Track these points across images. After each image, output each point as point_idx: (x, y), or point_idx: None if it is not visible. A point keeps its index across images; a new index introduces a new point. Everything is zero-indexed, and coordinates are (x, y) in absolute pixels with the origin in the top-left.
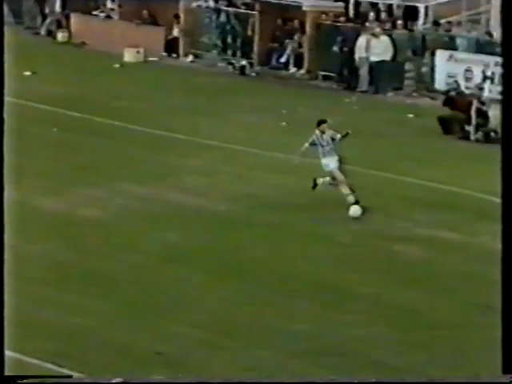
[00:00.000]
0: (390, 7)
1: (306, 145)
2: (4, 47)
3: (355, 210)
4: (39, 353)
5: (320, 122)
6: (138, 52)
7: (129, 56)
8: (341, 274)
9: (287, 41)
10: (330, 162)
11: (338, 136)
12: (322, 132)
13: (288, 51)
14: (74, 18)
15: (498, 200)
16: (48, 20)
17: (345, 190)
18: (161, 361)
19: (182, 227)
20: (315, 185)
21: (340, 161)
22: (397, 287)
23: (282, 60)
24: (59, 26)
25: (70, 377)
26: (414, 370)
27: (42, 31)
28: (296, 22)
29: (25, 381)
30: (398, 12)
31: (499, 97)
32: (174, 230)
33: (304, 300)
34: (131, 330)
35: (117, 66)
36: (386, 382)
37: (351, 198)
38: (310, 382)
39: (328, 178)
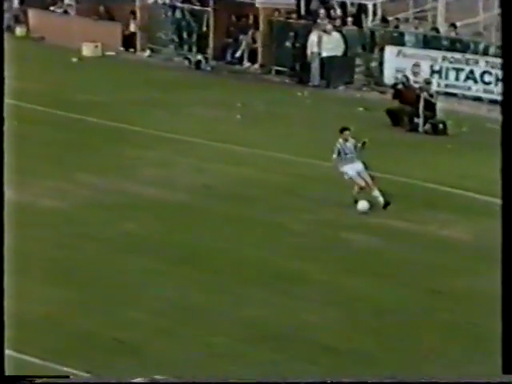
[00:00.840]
0: (341, 5)
1: (334, 156)
2: (4, 47)
3: (363, 205)
4: (1, 340)
5: (343, 130)
6: (95, 46)
7: (87, 50)
8: (293, 261)
9: (241, 36)
10: (349, 170)
11: (359, 145)
12: (345, 140)
13: (242, 46)
14: (32, 13)
15: (445, 188)
16: (7, 15)
17: (374, 192)
18: (120, 347)
19: (139, 217)
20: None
21: (365, 166)
22: (347, 274)
23: (237, 55)
24: (17, 20)
25: (67, 377)
26: (364, 355)
27: None
28: (249, 19)
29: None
30: (349, 9)
31: (446, 90)
32: (132, 220)
33: (258, 287)
34: (91, 318)
35: (75, 60)
36: (386, 382)
37: (381, 200)
38: (310, 382)
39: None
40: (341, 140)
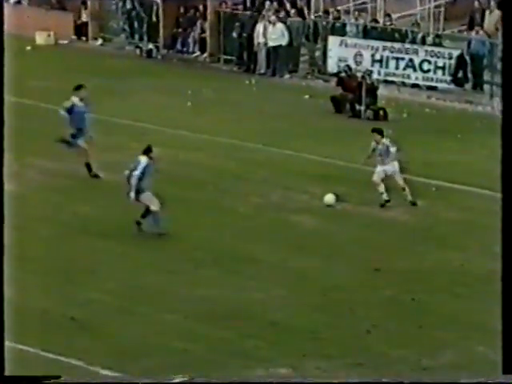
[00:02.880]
0: None
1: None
2: (4, 48)
3: (329, 198)
4: None
5: (373, 131)
6: (48, 35)
7: (40, 39)
8: (242, 243)
9: (190, 27)
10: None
11: (393, 149)
12: (377, 142)
13: (191, 36)
14: None
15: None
16: None
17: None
18: (76, 326)
19: (94, 200)
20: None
21: (400, 169)
22: (294, 254)
23: (186, 44)
24: None
25: (64, 377)
26: (310, 330)
27: None
28: (198, 10)
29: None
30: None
31: (387, 78)
32: (86, 203)
33: (208, 267)
34: (45, 297)
35: (29, 48)
36: (386, 382)
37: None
38: (310, 383)
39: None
40: (373, 143)
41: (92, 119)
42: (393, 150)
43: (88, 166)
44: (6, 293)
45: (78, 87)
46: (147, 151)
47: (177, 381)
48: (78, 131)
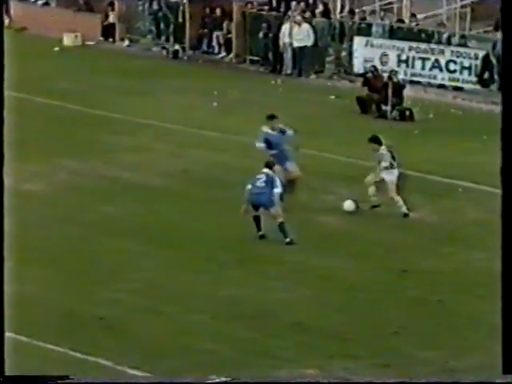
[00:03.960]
0: None
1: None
2: (4, 48)
3: (348, 205)
4: None
5: (370, 140)
6: (76, 37)
7: (68, 40)
8: (268, 243)
9: (216, 27)
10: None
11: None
12: (376, 150)
13: (217, 37)
14: (14, 5)
15: (412, 172)
16: None
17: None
18: (102, 325)
19: (119, 201)
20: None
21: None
22: (320, 255)
23: (212, 45)
24: None
25: (66, 377)
26: (336, 331)
27: None
28: (223, 11)
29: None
30: (319, 2)
31: (413, 78)
32: (111, 204)
33: (234, 267)
34: (72, 297)
35: (56, 49)
36: (386, 382)
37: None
38: (311, 382)
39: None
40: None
41: (290, 139)
42: (386, 159)
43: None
44: (33, 292)
45: (271, 117)
46: (271, 165)
47: (219, 380)
48: (280, 158)
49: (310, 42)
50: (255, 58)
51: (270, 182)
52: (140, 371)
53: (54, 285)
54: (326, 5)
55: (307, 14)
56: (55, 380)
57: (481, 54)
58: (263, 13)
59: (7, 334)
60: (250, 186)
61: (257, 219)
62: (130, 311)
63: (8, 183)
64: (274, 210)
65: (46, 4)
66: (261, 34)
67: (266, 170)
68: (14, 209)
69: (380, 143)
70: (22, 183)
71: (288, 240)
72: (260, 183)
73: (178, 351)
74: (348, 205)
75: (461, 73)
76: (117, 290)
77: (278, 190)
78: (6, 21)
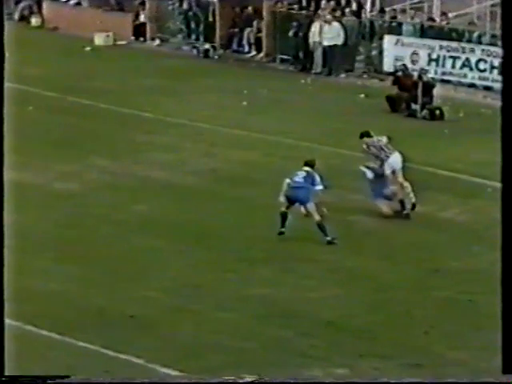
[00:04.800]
0: None
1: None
2: (4, 48)
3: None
4: (19, 316)
5: (360, 137)
6: (107, 36)
7: (99, 40)
8: (298, 242)
9: (246, 27)
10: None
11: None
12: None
13: (247, 36)
14: (46, 5)
15: (443, 172)
16: (21, 6)
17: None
18: (133, 323)
19: (150, 200)
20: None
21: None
22: (350, 254)
23: (242, 44)
24: (31, 11)
25: (68, 377)
26: (367, 330)
27: (16, 16)
28: (253, 10)
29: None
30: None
31: (443, 77)
32: (143, 203)
33: (263, 266)
34: (104, 295)
35: (88, 49)
36: (387, 381)
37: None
38: (311, 382)
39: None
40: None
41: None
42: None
43: (402, 203)
44: (66, 290)
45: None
46: (312, 163)
47: (246, 380)
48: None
49: (340, 41)
50: (285, 57)
51: (309, 179)
52: (172, 369)
53: (86, 283)
54: (359, 3)
55: (337, 13)
56: (55, 380)
57: None
58: (293, 12)
59: (42, 332)
60: (288, 181)
61: (284, 215)
62: (161, 309)
63: (40, 182)
64: (309, 205)
65: (78, 4)
66: (291, 33)
67: (306, 168)
68: (47, 207)
69: (370, 137)
70: (55, 182)
71: (328, 239)
72: (299, 178)
73: (209, 350)
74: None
75: (491, 72)
76: (148, 289)
77: (319, 187)
78: (39, 20)
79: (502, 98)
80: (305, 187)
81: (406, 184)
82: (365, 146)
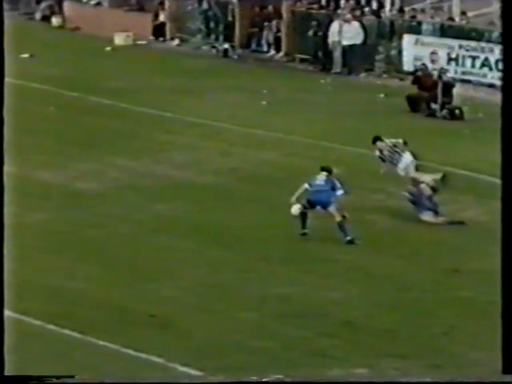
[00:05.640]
0: None
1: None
2: (4, 49)
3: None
4: (41, 315)
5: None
6: (127, 36)
7: (119, 40)
8: (318, 241)
9: (266, 26)
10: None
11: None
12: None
13: (267, 36)
14: (67, 5)
15: (463, 171)
16: (42, 6)
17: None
18: (153, 322)
19: (170, 199)
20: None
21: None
22: (370, 253)
23: (262, 44)
24: (53, 11)
25: (72, 377)
26: (387, 330)
27: (37, 17)
28: (273, 9)
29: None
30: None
31: (463, 77)
32: (163, 202)
33: (283, 266)
34: (125, 294)
35: (108, 48)
36: (387, 381)
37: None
38: (312, 382)
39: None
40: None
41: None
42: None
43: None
44: (86, 289)
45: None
46: (329, 169)
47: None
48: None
49: (359, 40)
50: (305, 57)
51: (330, 183)
52: (192, 369)
53: (106, 282)
54: (379, 2)
55: (357, 12)
56: (55, 380)
57: None
58: (312, 11)
59: (64, 331)
60: (306, 185)
61: (304, 216)
62: (181, 309)
63: (62, 181)
64: (332, 208)
65: (99, 4)
66: (310, 33)
67: (324, 173)
68: (68, 207)
69: (382, 140)
70: (76, 181)
71: (348, 239)
72: (320, 181)
73: (228, 349)
74: (295, 209)
75: None
76: (168, 288)
77: (340, 192)
78: (60, 21)
79: (502, 98)
80: (326, 190)
81: (424, 178)
82: (377, 152)
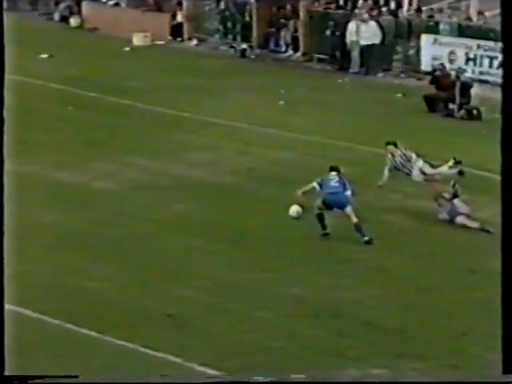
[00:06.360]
0: None
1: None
2: (4, 50)
3: (293, 210)
4: (59, 314)
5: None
6: (145, 36)
7: (137, 40)
8: (335, 241)
9: (283, 26)
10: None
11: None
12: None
13: (284, 36)
14: (85, 5)
15: (480, 172)
16: (61, 7)
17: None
18: (170, 322)
19: (188, 199)
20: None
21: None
22: (387, 254)
23: (279, 44)
24: (71, 12)
25: (76, 377)
26: (404, 331)
27: (56, 17)
28: (290, 9)
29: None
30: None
31: (481, 77)
32: (180, 202)
33: (300, 265)
34: (142, 294)
35: (127, 49)
36: (387, 381)
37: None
38: (312, 382)
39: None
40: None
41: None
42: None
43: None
44: (103, 289)
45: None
46: (338, 169)
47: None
48: None
49: (377, 40)
50: (322, 57)
51: (342, 184)
52: (209, 368)
53: (123, 281)
54: (397, 2)
55: (374, 12)
56: (55, 380)
57: None
58: (330, 11)
59: (82, 330)
60: (315, 184)
61: (321, 217)
62: (198, 308)
63: (80, 181)
64: (348, 209)
65: (117, 4)
66: (328, 32)
67: (334, 173)
68: (85, 206)
69: (396, 146)
70: (93, 181)
71: (366, 239)
72: (335, 183)
73: (245, 349)
74: (293, 210)
75: None
76: (185, 287)
77: (348, 192)
78: (78, 21)
79: (502, 99)
80: (341, 191)
81: (440, 170)
82: (389, 155)
